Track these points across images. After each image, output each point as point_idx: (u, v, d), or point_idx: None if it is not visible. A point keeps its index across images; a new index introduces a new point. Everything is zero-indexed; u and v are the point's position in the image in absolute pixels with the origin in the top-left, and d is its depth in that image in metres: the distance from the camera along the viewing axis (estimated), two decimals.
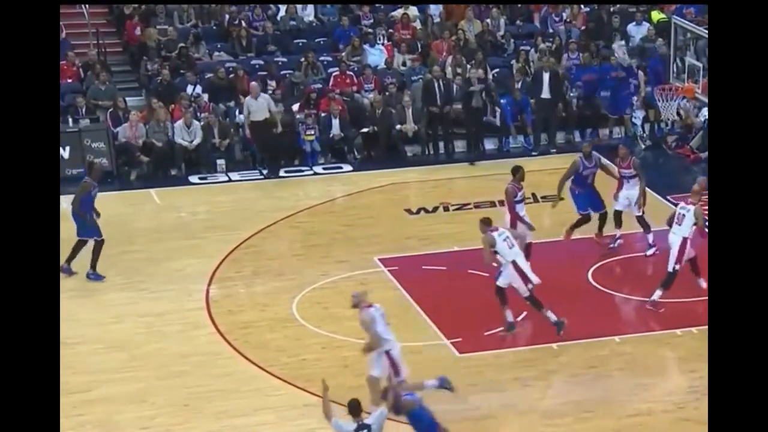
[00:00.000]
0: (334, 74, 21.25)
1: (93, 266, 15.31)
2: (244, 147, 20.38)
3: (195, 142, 19.91)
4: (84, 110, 20.03)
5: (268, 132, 19.36)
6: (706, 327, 13.45)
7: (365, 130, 20.68)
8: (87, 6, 22.31)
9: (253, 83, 19.82)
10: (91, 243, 15.32)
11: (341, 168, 20.15)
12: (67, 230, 14.36)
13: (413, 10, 23.39)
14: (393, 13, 23.27)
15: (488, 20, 23.28)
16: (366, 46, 22.12)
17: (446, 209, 17.87)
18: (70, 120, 20.03)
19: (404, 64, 22.10)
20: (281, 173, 19.63)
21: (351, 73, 21.33)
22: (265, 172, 19.68)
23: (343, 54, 21.84)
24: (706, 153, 19.78)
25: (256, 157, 20.02)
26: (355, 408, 10.05)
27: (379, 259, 15.73)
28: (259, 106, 19.19)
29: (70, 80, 21.00)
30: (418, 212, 17.75)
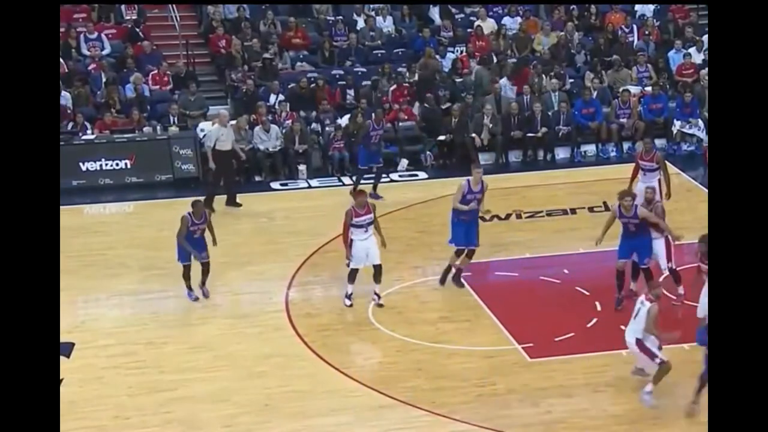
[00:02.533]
0: (392, 88, 21.75)
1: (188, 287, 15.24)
2: (323, 154, 20.95)
3: (273, 146, 20.47)
4: (176, 119, 20.81)
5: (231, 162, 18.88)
6: None
7: (441, 138, 21.11)
8: (178, 18, 23.15)
9: (223, 111, 19.29)
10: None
11: (417, 176, 20.56)
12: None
13: (490, 23, 23.83)
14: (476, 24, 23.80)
15: (562, 32, 23.63)
16: (437, 57, 22.66)
17: (518, 217, 18.15)
18: (159, 128, 20.86)
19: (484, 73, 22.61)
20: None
21: (407, 84, 21.73)
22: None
23: (417, 64, 22.37)
24: None
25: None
26: None
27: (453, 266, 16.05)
28: (227, 136, 18.58)
29: (162, 88, 21.84)
30: (491, 219, 17.86)
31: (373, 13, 24.05)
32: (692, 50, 23.20)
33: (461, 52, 23.27)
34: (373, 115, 19.36)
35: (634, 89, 22.19)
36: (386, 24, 23.98)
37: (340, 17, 23.90)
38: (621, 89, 21.99)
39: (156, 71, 21.98)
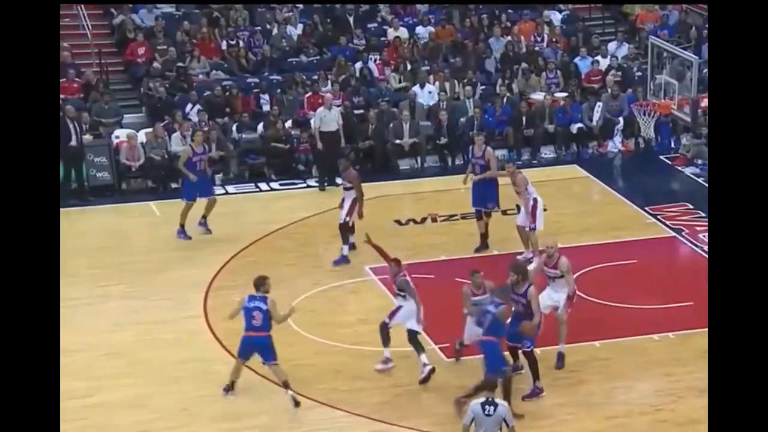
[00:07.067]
0: (307, 95, 21.77)
1: None
2: (240, 162, 20.92)
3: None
4: (88, 126, 20.57)
5: (335, 143, 19.95)
6: (683, 332, 14.15)
7: (363, 144, 21.22)
8: (90, 27, 22.89)
9: (328, 94, 20.58)
10: None
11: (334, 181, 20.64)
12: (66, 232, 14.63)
13: (403, 32, 24.09)
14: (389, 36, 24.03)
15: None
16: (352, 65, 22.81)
17: (434, 220, 18.36)
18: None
19: (399, 81, 22.84)
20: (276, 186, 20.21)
21: (323, 93, 21.74)
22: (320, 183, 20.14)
23: (330, 73, 22.51)
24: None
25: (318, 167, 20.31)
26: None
27: (370, 268, 16.12)
28: (331, 117, 19.87)
29: (73, 97, 21.55)
30: (407, 223, 18.20)
31: (286, 18, 24.07)
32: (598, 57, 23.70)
33: (375, 60, 23.42)
34: (192, 139, 17.45)
35: (538, 96, 22.56)
36: (297, 31, 24.02)
37: (258, 28, 23.83)
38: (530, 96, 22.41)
39: (64, 79, 21.63)
